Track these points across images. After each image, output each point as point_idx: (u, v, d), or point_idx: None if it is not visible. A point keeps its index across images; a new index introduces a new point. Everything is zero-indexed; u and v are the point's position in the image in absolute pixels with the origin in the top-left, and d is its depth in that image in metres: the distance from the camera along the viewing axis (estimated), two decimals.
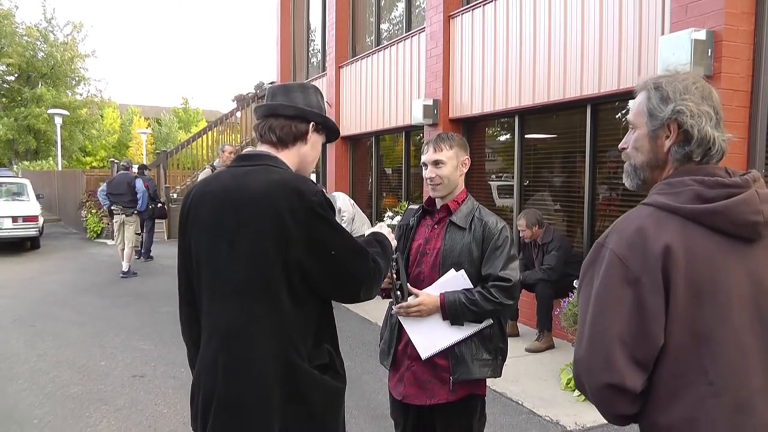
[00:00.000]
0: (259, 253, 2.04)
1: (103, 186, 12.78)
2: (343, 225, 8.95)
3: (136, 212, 12.37)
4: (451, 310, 2.86)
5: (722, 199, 1.63)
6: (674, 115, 1.71)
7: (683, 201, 1.65)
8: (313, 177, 13.90)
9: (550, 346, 6.87)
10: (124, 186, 12.12)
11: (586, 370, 1.67)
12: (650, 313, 1.61)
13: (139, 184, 12.64)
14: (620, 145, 1.90)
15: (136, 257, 13.19)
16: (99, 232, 18.08)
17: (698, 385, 1.62)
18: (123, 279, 11.51)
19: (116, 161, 19.07)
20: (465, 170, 3.08)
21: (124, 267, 11.74)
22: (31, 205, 15.65)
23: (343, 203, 9.33)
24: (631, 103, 6.66)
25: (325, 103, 2.43)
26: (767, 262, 1.68)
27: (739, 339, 1.62)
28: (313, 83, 2.40)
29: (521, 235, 7.14)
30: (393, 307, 2.97)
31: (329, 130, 2.41)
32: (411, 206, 3.22)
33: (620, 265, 1.63)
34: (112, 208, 12.19)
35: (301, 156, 2.30)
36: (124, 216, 11.99)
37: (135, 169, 14.18)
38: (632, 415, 1.69)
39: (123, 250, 11.84)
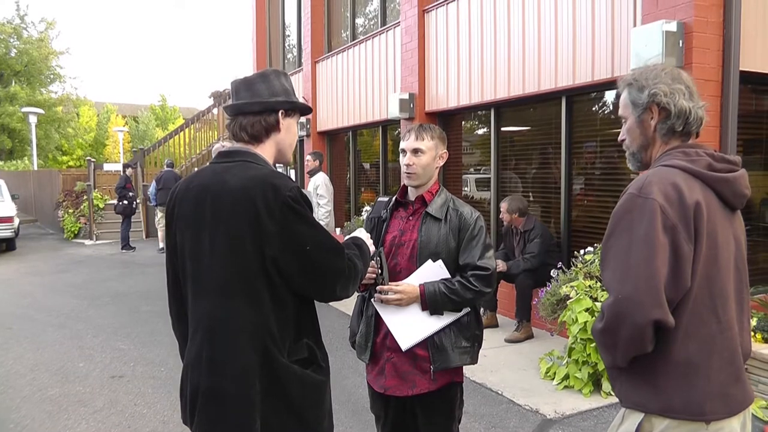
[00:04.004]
0: (237, 249, 2.07)
1: (152, 185, 14.96)
2: (323, 209, 8.88)
3: None
4: (431, 300, 2.88)
5: (726, 172, 1.97)
6: (651, 98, 2.03)
7: (701, 167, 1.95)
8: (292, 174, 13.89)
9: (529, 336, 6.92)
10: (172, 181, 13.96)
11: (637, 306, 1.83)
12: (684, 258, 1.86)
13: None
14: (619, 138, 2.21)
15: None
16: (76, 232, 17.91)
17: (710, 324, 1.92)
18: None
19: (93, 160, 18.92)
20: (442, 163, 3.10)
21: (161, 245, 13.94)
22: (5, 206, 15.43)
23: (326, 189, 9.15)
24: (607, 95, 6.73)
25: (291, 82, 2.41)
26: (740, 227, 2.07)
27: (729, 284, 1.97)
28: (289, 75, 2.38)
29: (501, 216, 7.23)
30: (374, 296, 2.98)
31: (301, 110, 2.41)
32: (381, 198, 3.22)
33: (661, 213, 1.85)
34: (158, 207, 14.55)
35: (278, 144, 2.32)
36: None
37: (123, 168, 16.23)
38: (640, 355, 1.92)
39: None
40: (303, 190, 2.20)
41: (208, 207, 2.13)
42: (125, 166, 15.95)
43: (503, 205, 7.16)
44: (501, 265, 6.90)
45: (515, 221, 7.11)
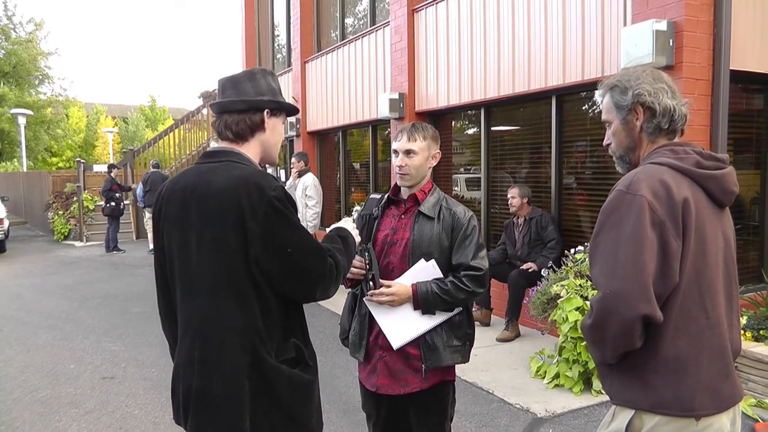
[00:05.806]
0: (223, 249, 2.08)
1: (139, 186, 14.76)
2: (311, 211, 8.96)
3: None
4: (424, 300, 2.87)
5: (714, 170, 2.00)
6: (636, 98, 2.06)
7: (689, 165, 1.97)
8: (282, 174, 13.87)
9: (518, 335, 6.95)
10: (159, 182, 13.62)
11: (625, 301, 1.85)
12: (672, 254, 1.87)
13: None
14: (604, 143, 2.24)
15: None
16: (66, 233, 17.81)
17: (699, 320, 1.93)
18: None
19: (82, 161, 18.82)
20: (435, 163, 3.08)
21: (152, 246, 14.60)
22: None
23: (315, 190, 9.23)
24: (597, 96, 6.75)
25: (278, 82, 2.41)
26: (729, 224, 2.09)
27: (718, 280, 1.99)
28: (277, 75, 2.41)
29: (509, 203, 7.24)
30: (366, 295, 2.96)
31: (286, 110, 2.41)
32: (373, 196, 3.20)
33: (649, 209, 1.86)
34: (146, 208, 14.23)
35: (263, 144, 2.32)
36: None
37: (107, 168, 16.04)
38: (629, 351, 1.94)
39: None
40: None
41: (194, 208, 2.13)
42: (110, 168, 15.75)
43: (514, 191, 7.20)
44: (531, 266, 6.88)
45: (523, 208, 7.16)
